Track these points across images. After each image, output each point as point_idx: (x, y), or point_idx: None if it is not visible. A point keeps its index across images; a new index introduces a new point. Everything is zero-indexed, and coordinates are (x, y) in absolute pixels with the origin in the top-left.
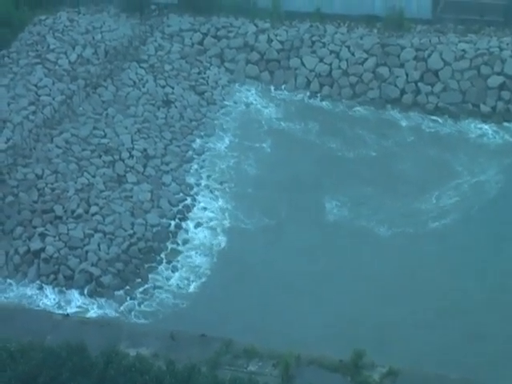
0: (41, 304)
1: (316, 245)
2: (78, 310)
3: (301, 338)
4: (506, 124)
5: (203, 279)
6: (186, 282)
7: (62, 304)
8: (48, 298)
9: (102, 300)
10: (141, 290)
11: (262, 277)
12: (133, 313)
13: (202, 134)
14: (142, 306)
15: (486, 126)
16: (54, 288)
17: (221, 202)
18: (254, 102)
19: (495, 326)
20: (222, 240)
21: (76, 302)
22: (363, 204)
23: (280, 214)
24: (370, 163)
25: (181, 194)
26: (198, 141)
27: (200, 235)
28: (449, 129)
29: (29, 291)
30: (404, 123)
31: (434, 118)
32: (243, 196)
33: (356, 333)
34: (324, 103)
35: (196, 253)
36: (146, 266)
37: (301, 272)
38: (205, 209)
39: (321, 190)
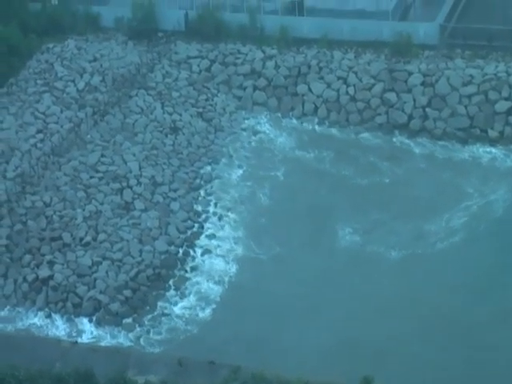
0: (50, 334)
1: (327, 272)
2: (89, 340)
3: (311, 363)
4: None
5: (213, 306)
6: (194, 309)
7: (74, 335)
8: (58, 330)
9: (111, 328)
10: (149, 317)
11: (272, 304)
12: (141, 340)
13: (210, 160)
14: (151, 333)
15: (494, 150)
16: (62, 316)
17: (230, 230)
18: (263, 129)
19: (505, 348)
20: (231, 267)
21: (89, 334)
22: (375, 229)
23: (292, 241)
24: (383, 190)
25: (189, 221)
26: (206, 168)
27: (209, 262)
28: (460, 154)
29: (37, 321)
30: (416, 150)
31: (442, 143)
32: (254, 223)
33: (365, 357)
34: (333, 130)
35: (205, 280)
36: (155, 293)
37: (312, 298)
38: (214, 236)
39: (334, 218)
